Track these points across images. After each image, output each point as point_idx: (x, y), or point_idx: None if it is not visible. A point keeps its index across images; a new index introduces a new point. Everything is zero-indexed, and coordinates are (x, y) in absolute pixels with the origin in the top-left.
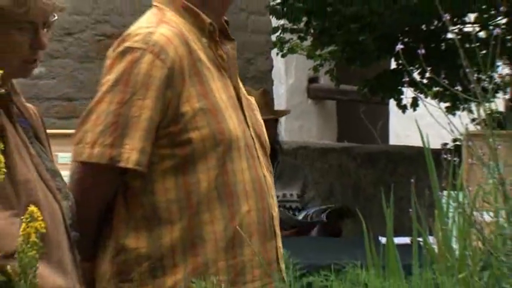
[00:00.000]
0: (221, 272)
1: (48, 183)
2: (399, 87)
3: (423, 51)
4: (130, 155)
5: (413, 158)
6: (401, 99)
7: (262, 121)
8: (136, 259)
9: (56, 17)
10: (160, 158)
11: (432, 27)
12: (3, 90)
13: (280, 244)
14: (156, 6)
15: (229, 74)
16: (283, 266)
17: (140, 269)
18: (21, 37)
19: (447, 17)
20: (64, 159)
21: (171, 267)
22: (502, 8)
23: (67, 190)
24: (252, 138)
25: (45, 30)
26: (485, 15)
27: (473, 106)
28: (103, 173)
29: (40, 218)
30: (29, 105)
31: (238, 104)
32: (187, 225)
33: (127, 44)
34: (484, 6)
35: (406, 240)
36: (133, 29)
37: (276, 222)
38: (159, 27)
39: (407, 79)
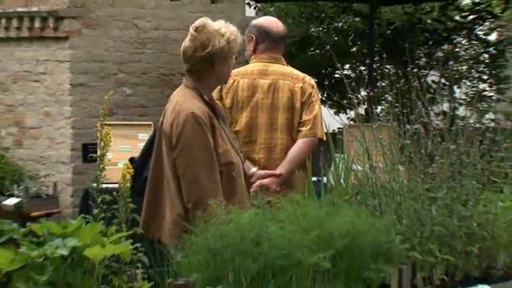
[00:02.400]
0: None
1: (235, 148)
2: None
3: (326, 83)
4: (323, 133)
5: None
6: None
7: None
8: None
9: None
10: None
11: (328, 71)
12: (211, 100)
13: None
14: (282, 64)
15: None
16: None
17: None
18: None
19: (338, 65)
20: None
21: None
22: (367, 61)
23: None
24: None
25: (234, 60)
26: (355, 65)
27: (349, 111)
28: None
29: (130, 167)
30: (217, 101)
31: None
32: None
33: (312, 82)
34: (353, 60)
35: (316, 178)
36: (299, 74)
37: None
38: (305, 74)
39: None
